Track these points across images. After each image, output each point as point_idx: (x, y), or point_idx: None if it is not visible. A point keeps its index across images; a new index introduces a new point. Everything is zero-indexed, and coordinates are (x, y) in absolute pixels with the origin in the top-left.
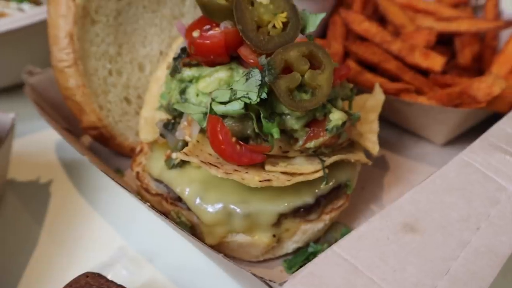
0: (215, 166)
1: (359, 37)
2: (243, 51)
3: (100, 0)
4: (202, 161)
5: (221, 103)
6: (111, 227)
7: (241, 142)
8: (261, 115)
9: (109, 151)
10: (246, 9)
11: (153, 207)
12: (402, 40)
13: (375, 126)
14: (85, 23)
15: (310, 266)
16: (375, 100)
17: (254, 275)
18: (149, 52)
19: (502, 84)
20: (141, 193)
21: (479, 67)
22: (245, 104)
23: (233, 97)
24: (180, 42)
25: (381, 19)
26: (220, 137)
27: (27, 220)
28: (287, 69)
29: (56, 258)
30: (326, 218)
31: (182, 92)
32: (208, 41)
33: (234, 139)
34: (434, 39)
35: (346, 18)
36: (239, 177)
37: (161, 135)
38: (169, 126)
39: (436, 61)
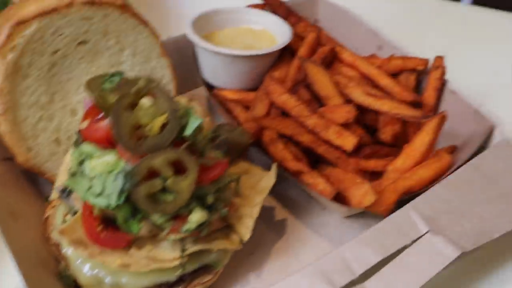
0: (84, 245)
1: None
2: (120, 149)
3: (33, 55)
4: (71, 241)
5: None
6: None
7: (109, 227)
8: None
9: None
10: (122, 114)
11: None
12: (318, 116)
13: (256, 211)
14: (16, 78)
15: None
16: (267, 182)
17: None
18: (83, 98)
19: (372, 198)
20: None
21: (404, 141)
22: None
23: (102, 192)
24: None
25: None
26: (88, 221)
27: None
28: (153, 172)
29: None
30: None
31: (81, 163)
32: (93, 133)
33: (100, 227)
34: (352, 117)
35: (267, 88)
36: (102, 259)
37: (59, 197)
38: (65, 193)
39: (348, 141)
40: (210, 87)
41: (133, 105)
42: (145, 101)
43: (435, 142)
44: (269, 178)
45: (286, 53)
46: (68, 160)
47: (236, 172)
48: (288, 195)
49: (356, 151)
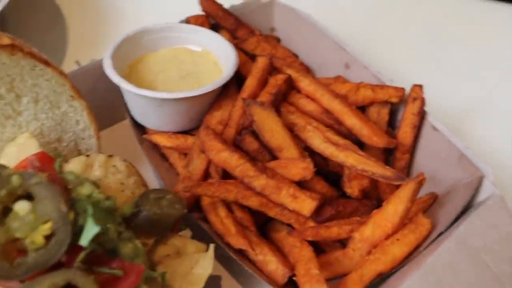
0: None
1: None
2: None
3: None
4: None
5: None
6: None
7: None
8: None
9: None
10: None
11: None
12: (268, 175)
13: None
14: None
15: None
16: (202, 268)
17: None
18: None
19: None
20: None
21: (376, 193)
22: None
23: None
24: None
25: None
26: None
27: None
28: None
29: None
30: None
31: None
32: None
33: None
34: (310, 175)
35: (204, 145)
36: None
37: None
38: None
39: (305, 204)
40: (140, 126)
41: (5, 211)
42: (22, 206)
43: (410, 210)
44: (205, 263)
45: (231, 83)
46: None
47: (165, 254)
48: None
49: (317, 211)
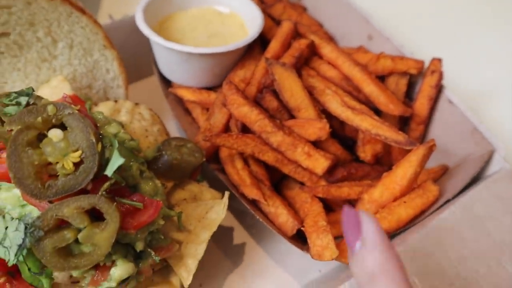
0: None
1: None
2: (25, 197)
3: None
4: None
5: None
6: None
7: (16, 276)
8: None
9: None
10: (22, 152)
11: None
12: (285, 132)
13: (201, 250)
14: None
15: None
16: (216, 213)
17: None
18: None
19: (333, 254)
20: None
21: (388, 160)
22: None
23: (2, 241)
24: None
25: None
26: None
27: None
28: (64, 221)
29: None
30: None
31: None
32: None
33: (3, 279)
34: (325, 135)
35: (226, 98)
36: None
37: None
38: None
39: (318, 163)
40: (166, 81)
41: (41, 137)
42: (55, 133)
43: (419, 175)
44: (219, 209)
45: (255, 45)
46: None
47: (182, 198)
48: (250, 213)
49: (330, 171)
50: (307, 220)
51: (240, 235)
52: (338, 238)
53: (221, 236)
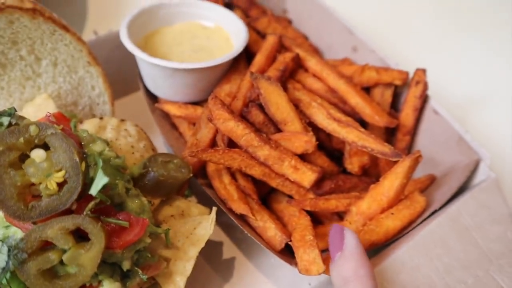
0: None
1: None
2: (8, 218)
3: None
4: None
5: None
6: None
7: None
8: None
9: None
10: (4, 174)
11: None
12: (271, 146)
13: (190, 266)
14: None
15: None
16: (204, 229)
17: None
18: None
19: (320, 269)
20: None
21: (376, 171)
22: None
23: None
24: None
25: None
26: None
27: None
28: (48, 242)
29: None
30: None
31: None
32: None
33: None
34: (312, 148)
35: (211, 113)
36: None
37: None
38: None
39: (305, 176)
40: (152, 96)
41: (23, 158)
42: (38, 154)
43: (406, 186)
44: (207, 224)
45: (241, 59)
46: None
47: (169, 215)
48: (239, 227)
49: (318, 184)
50: (294, 235)
51: (229, 249)
52: (327, 251)
53: (210, 252)
